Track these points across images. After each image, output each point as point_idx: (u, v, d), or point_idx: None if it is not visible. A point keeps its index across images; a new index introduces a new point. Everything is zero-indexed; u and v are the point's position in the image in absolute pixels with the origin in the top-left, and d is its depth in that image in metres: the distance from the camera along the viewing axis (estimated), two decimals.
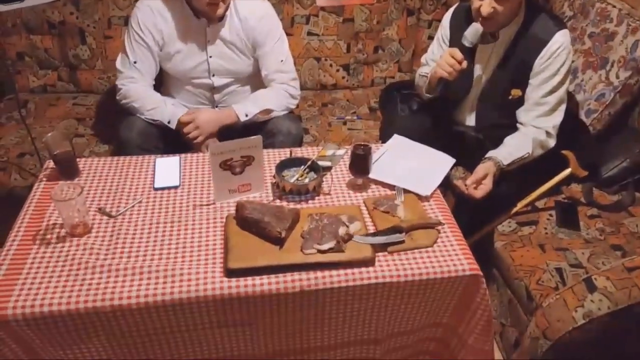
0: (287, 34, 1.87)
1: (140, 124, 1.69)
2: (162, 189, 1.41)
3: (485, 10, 1.44)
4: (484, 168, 1.52)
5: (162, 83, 1.87)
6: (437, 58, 1.70)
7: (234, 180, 1.36)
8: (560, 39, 1.52)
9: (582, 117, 1.91)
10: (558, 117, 1.60)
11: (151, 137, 1.70)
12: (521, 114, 1.62)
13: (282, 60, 1.80)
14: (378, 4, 2.34)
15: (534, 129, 1.59)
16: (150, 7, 1.68)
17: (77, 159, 1.47)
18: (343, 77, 2.41)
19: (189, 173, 1.49)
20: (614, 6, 2.00)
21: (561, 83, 1.56)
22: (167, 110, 1.70)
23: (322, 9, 2.31)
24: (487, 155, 1.56)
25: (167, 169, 1.49)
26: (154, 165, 1.50)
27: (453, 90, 1.71)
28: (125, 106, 1.74)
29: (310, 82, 2.40)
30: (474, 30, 1.48)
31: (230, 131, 1.72)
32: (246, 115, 1.74)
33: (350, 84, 2.44)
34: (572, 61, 1.68)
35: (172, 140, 1.73)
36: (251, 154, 1.34)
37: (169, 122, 1.69)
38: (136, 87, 1.71)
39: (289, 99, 1.83)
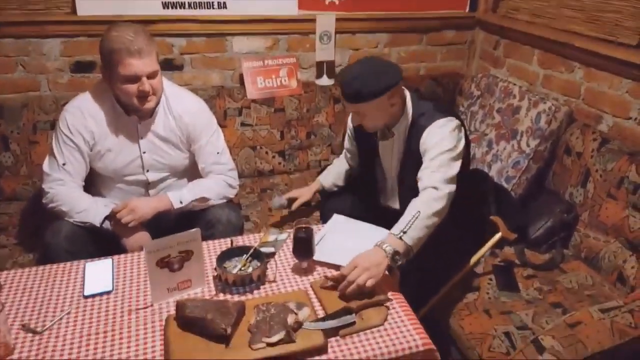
0: (221, 126, 1.90)
1: (68, 228, 1.60)
2: (93, 295, 1.32)
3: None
4: (373, 255, 1.37)
5: (92, 183, 1.80)
6: (350, 148, 1.95)
7: (173, 278, 1.30)
8: (441, 122, 1.59)
9: (503, 183, 2.06)
10: (442, 173, 1.53)
11: (80, 240, 1.60)
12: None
13: (218, 153, 1.81)
14: (306, 94, 2.49)
15: (428, 189, 1.51)
16: (80, 108, 1.66)
17: None
18: (279, 163, 2.47)
19: (123, 275, 1.40)
20: (515, 84, 2.26)
21: (445, 152, 1.54)
22: (99, 211, 1.63)
23: (254, 101, 2.42)
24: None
25: (99, 273, 1.40)
26: (84, 270, 1.41)
27: (373, 180, 1.87)
28: (52, 210, 1.65)
29: (248, 170, 2.43)
30: (277, 201, 1.96)
31: (167, 226, 1.66)
32: (181, 202, 1.70)
33: (287, 169, 2.49)
34: (469, 139, 1.75)
35: (104, 242, 1.64)
36: (190, 248, 1.30)
37: (101, 224, 1.62)
38: (65, 190, 1.65)
39: (228, 188, 1.82)
